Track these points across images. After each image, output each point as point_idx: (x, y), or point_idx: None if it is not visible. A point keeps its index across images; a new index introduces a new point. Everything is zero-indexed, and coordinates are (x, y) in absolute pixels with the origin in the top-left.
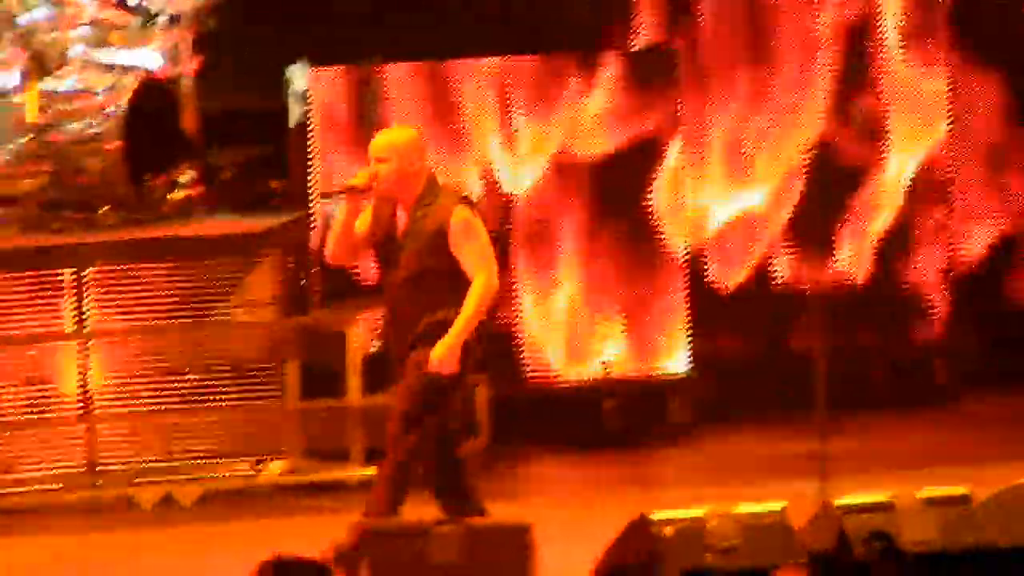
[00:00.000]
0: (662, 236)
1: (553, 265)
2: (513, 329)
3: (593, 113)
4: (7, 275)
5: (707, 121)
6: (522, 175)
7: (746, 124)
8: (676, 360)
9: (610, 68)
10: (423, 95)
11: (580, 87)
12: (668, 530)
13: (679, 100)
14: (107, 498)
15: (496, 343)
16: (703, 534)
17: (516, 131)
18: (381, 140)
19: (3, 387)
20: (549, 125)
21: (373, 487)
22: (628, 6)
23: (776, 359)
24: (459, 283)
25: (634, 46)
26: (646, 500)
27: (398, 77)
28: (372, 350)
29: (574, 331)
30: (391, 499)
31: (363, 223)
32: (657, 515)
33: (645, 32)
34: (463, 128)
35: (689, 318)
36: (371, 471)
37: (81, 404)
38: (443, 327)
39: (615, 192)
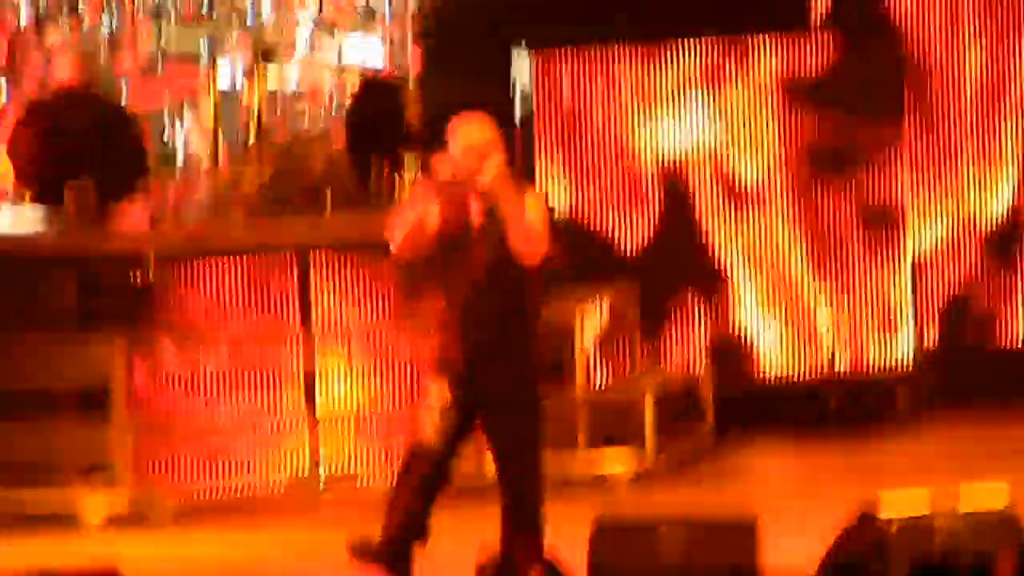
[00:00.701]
0: (889, 228)
1: (776, 257)
2: (738, 322)
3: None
4: (231, 262)
5: (936, 109)
6: (746, 160)
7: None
8: (901, 350)
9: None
10: (646, 78)
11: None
12: (894, 522)
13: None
14: (329, 497)
15: (722, 337)
16: (929, 525)
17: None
18: (482, 132)
19: (231, 384)
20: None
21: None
22: None
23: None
24: (534, 289)
25: None
26: (872, 491)
27: (623, 60)
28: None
29: (799, 322)
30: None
31: (433, 216)
32: (883, 507)
33: None
34: (680, 109)
35: (914, 309)
36: (598, 462)
37: (306, 401)
38: (525, 324)
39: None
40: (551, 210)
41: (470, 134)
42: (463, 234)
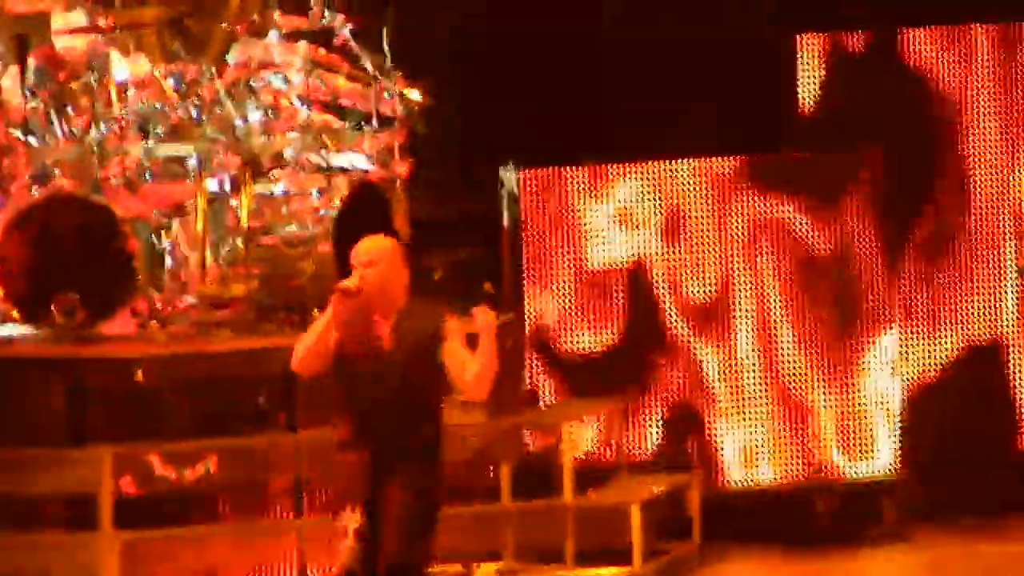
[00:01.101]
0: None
1: (764, 360)
2: (719, 428)
3: None
4: (221, 377)
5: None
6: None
7: None
8: (886, 460)
9: None
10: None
11: None
12: None
13: None
14: None
15: (704, 441)
16: None
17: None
18: (369, 245)
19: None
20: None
21: None
22: None
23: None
24: (440, 399)
25: None
26: None
27: (613, 175)
28: (583, 451)
29: (782, 429)
30: None
31: (330, 334)
32: None
33: None
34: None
35: (899, 418)
36: (585, 572)
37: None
38: (431, 446)
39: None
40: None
41: (362, 248)
42: (366, 353)
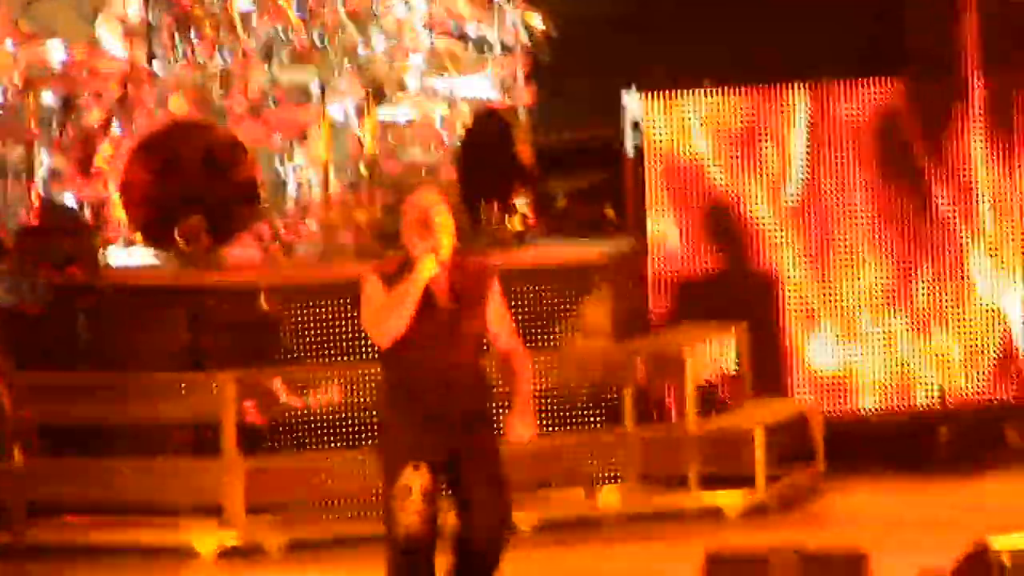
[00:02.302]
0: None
1: (888, 288)
2: (842, 354)
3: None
4: (339, 303)
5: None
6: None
7: None
8: (1011, 385)
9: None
10: (756, 118)
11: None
12: (1006, 557)
13: None
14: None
15: (827, 369)
16: None
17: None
18: (433, 199)
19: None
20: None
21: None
22: None
23: None
24: (483, 345)
25: None
26: (983, 527)
27: (729, 101)
28: (708, 377)
29: (909, 356)
30: None
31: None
32: (995, 542)
33: None
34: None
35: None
36: (708, 497)
37: None
38: (489, 394)
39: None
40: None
41: (413, 203)
42: (427, 305)
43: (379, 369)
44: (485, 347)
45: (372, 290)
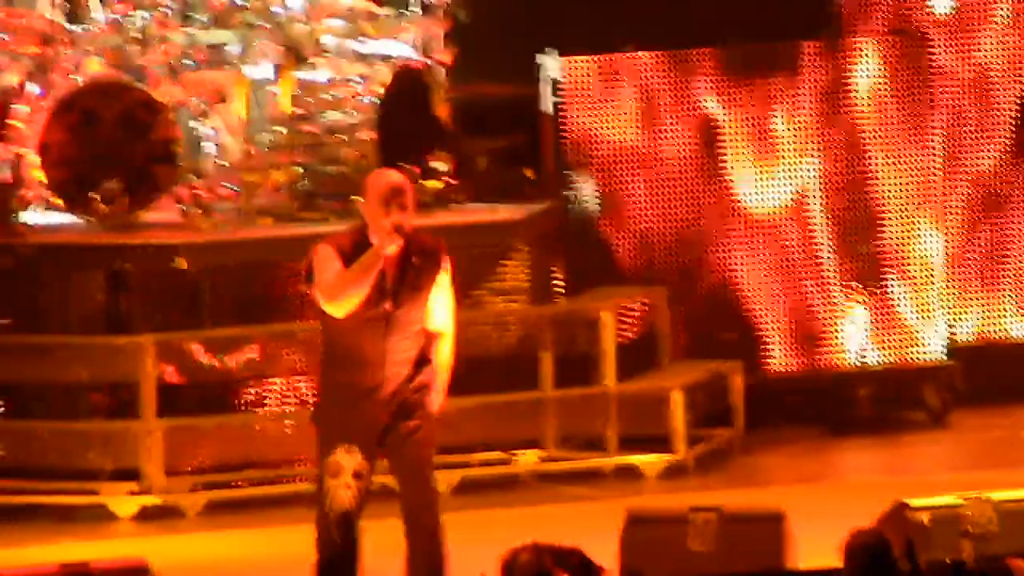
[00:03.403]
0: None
1: (804, 250)
2: (767, 314)
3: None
4: (257, 265)
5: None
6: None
7: None
8: (931, 346)
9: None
10: (669, 83)
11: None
12: (924, 516)
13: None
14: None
15: (750, 328)
16: (959, 520)
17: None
18: (398, 179)
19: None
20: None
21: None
22: None
23: None
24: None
25: None
26: (902, 487)
27: (647, 65)
28: (627, 336)
29: (826, 315)
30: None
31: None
32: (913, 502)
33: None
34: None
35: (947, 304)
36: (627, 459)
37: None
38: (426, 366)
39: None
40: None
41: (380, 180)
42: (378, 289)
43: (320, 339)
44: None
45: (326, 261)
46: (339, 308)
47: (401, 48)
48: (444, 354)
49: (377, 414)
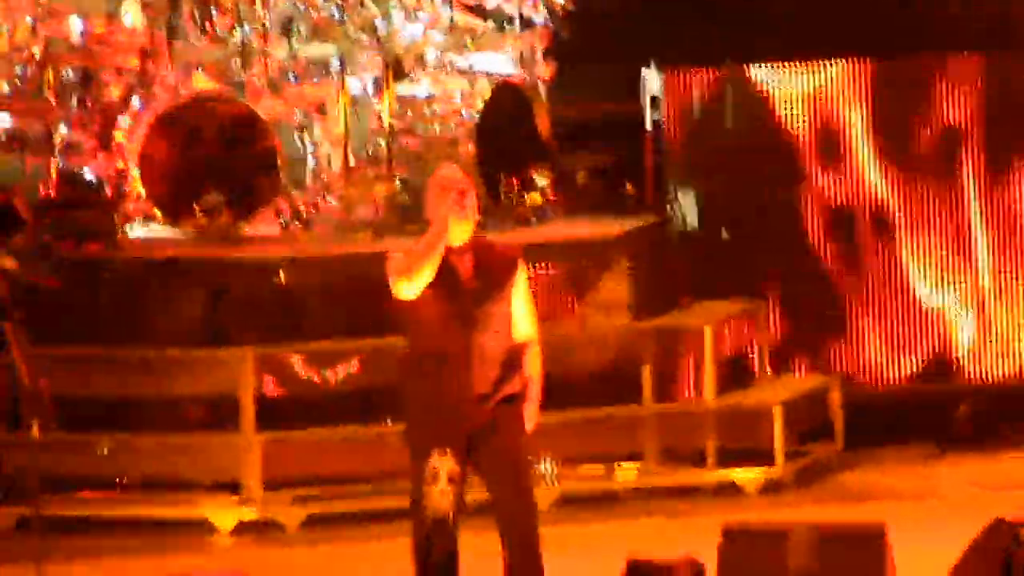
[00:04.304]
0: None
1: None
2: (868, 330)
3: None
4: (357, 279)
5: None
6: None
7: None
8: None
9: None
10: (787, 96)
11: None
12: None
13: None
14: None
15: (851, 343)
16: None
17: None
18: (456, 173)
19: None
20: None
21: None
22: None
23: None
24: (512, 327)
25: None
26: (1002, 503)
27: (753, 78)
28: (726, 353)
29: (930, 331)
30: None
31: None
32: (1014, 517)
33: None
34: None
35: None
36: (726, 473)
37: None
38: (516, 372)
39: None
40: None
41: (436, 174)
42: (448, 277)
43: (401, 346)
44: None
45: (395, 257)
46: (408, 286)
47: (502, 63)
48: (535, 363)
49: (467, 417)
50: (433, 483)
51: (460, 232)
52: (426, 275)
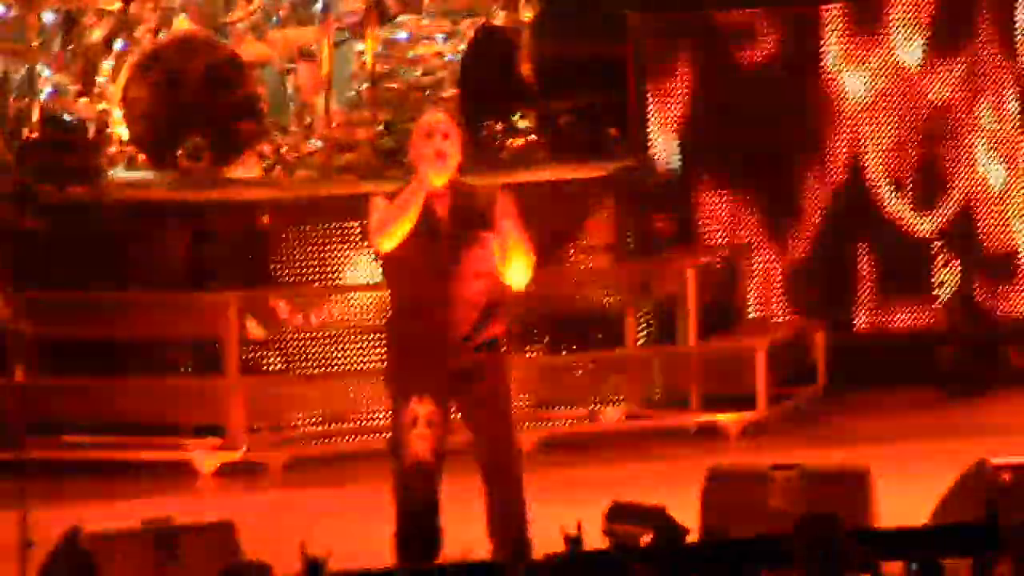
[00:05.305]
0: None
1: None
2: (851, 272)
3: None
4: (344, 223)
5: None
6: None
7: None
8: (1016, 304)
9: None
10: (766, 41)
11: None
12: (1007, 475)
13: None
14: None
15: (835, 286)
16: None
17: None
18: (440, 117)
19: (337, 334)
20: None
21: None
22: None
23: None
24: (492, 274)
25: None
26: (984, 446)
27: (732, 24)
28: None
29: (910, 274)
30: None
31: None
32: (995, 461)
33: None
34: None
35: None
36: (709, 417)
37: None
38: (498, 315)
39: None
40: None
41: (422, 119)
42: (430, 225)
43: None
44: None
45: (377, 205)
46: (386, 240)
47: (484, 5)
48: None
49: (447, 359)
50: (412, 427)
51: (439, 177)
52: (401, 231)
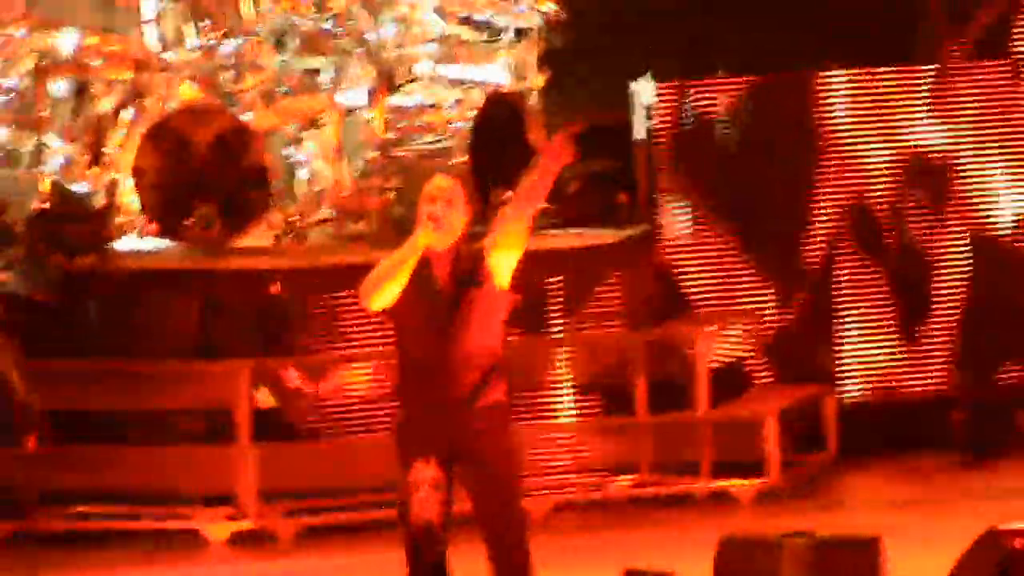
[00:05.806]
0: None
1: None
2: (862, 339)
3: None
4: (354, 291)
5: None
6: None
7: None
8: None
9: None
10: (777, 106)
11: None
12: (1019, 542)
13: None
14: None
15: (845, 352)
16: None
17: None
18: (444, 183)
19: (342, 403)
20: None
21: None
22: None
23: None
24: (496, 333)
25: None
26: (996, 511)
27: (743, 90)
28: (718, 364)
29: (918, 340)
30: None
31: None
32: (1007, 527)
33: None
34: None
35: None
36: (720, 484)
37: None
38: (499, 385)
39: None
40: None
41: (427, 185)
42: (429, 290)
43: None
44: (501, 337)
45: (397, 253)
46: (375, 299)
47: (494, 73)
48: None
49: (448, 423)
50: (416, 490)
51: (436, 241)
52: (390, 291)
